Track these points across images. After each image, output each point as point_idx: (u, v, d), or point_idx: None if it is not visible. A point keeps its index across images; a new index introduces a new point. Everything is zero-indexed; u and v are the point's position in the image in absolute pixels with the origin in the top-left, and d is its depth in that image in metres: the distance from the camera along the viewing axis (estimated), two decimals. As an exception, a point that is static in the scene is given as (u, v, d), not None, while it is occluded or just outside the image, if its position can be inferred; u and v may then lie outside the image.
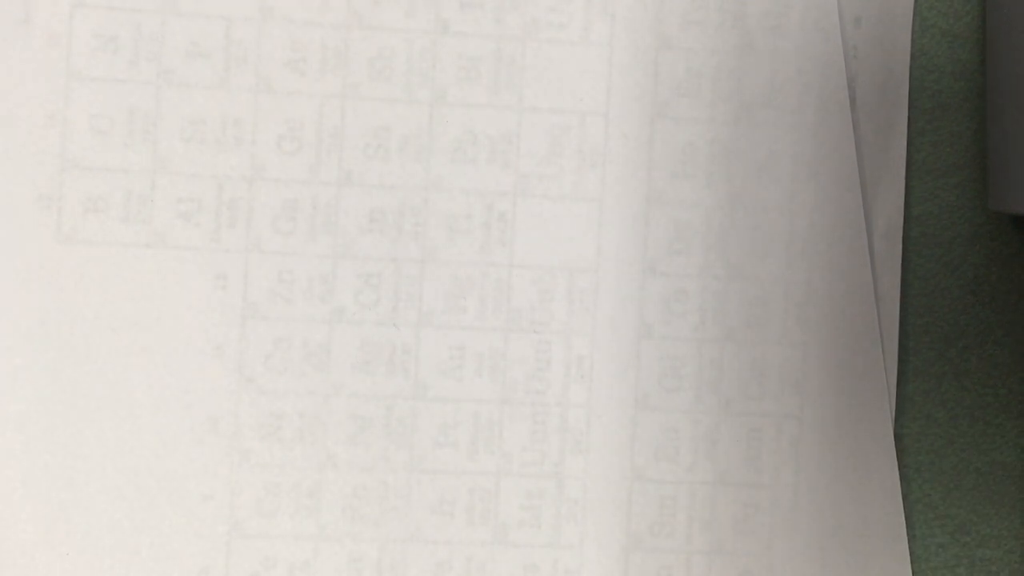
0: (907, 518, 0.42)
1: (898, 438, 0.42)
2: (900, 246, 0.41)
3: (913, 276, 0.42)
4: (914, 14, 0.41)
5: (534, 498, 0.40)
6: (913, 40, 0.41)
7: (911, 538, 0.42)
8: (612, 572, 0.40)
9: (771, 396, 0.40)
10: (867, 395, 0.41)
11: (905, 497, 0.42)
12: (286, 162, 0.39)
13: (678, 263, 0.40)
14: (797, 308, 0.40)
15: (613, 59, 0.40)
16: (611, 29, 0.40)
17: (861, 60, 0.41)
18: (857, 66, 0.41)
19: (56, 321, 0.38)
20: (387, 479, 0.39)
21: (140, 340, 0.39)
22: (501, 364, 0.40)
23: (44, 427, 0.38)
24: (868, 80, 0.41)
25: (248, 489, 0.39)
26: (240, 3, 0.39)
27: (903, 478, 0.42)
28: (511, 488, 0.40)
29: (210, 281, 0.39)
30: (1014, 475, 0.42)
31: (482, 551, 0.40)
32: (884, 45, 0.41)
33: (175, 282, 0.39)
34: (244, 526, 0.39)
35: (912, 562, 0.42)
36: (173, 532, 0.39)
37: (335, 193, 0.39)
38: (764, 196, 0.40)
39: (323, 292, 0.39)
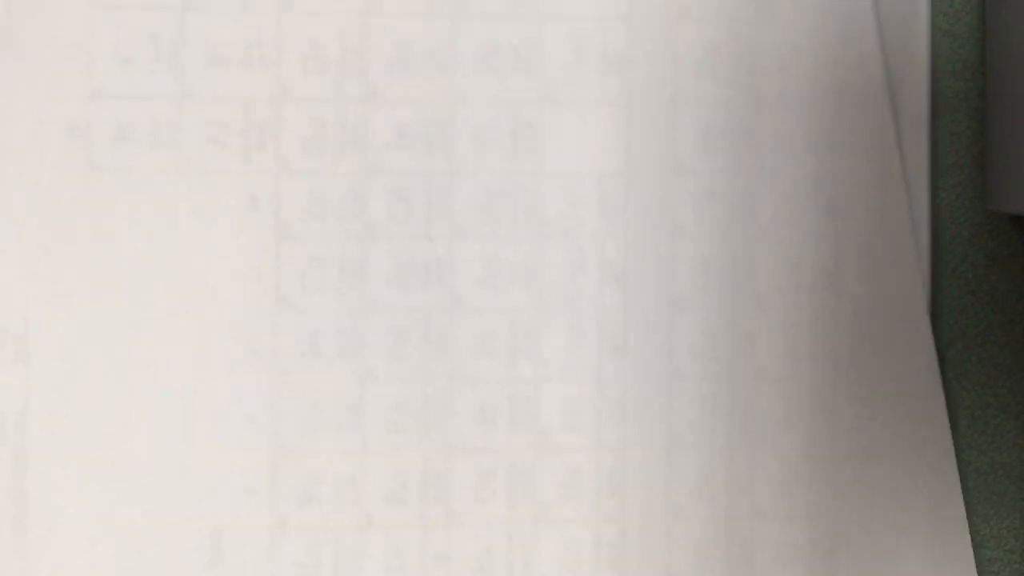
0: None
1: (924, 354, 0.42)
2: None
3: (919, 254, 0.42)
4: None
5: (574, 402, 0.40)
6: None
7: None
8: (656, 472, 0.40)
9: (807, 289, 0.41)
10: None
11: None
12: (311, 81, 0.39)
13: (706, 163, 0.40)
14: (828, 200, 0.41)
15: (632, -38, 0.40)
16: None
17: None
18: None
19: (90, 250, 0.38)
20: (427, 391, 0.40)
21: (174, 265, 0.39)
22: (535, 271, 0.40)
23: (86, 355, 0.39)
24: (884, 79, 0.41)
25: (290, 409, 0.39)
26: (258, -76, 0.39)
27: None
28: (551, 394, 0.40)
29: (242, 203, 0.39)
30: (1014, 475, 0.42)
31: (525, 457, 0.40)
32: (901, 48, 0.41)
33: (207, 206, 0.39)
34: (287, 445, 0.39)
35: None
36: (217, 455, 0.39)
37: (361, 110, 0.39)
38: (786, 92, 0.40)
39: (355, 209, 0.39)
